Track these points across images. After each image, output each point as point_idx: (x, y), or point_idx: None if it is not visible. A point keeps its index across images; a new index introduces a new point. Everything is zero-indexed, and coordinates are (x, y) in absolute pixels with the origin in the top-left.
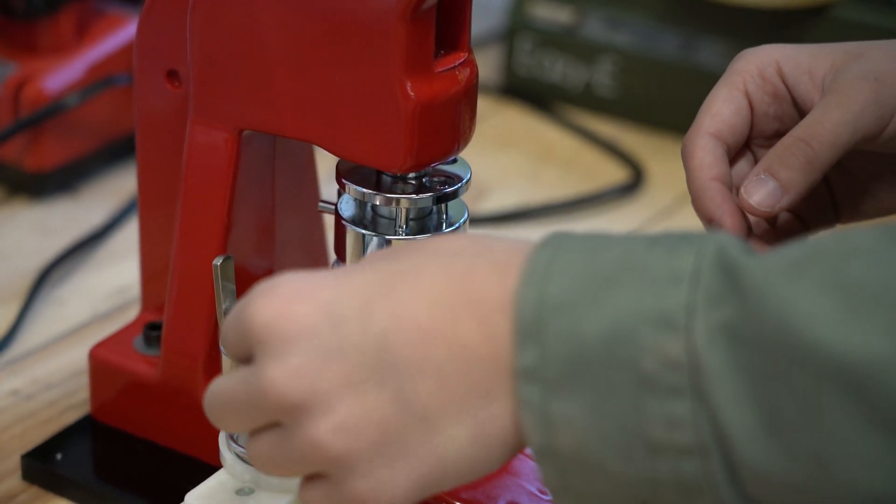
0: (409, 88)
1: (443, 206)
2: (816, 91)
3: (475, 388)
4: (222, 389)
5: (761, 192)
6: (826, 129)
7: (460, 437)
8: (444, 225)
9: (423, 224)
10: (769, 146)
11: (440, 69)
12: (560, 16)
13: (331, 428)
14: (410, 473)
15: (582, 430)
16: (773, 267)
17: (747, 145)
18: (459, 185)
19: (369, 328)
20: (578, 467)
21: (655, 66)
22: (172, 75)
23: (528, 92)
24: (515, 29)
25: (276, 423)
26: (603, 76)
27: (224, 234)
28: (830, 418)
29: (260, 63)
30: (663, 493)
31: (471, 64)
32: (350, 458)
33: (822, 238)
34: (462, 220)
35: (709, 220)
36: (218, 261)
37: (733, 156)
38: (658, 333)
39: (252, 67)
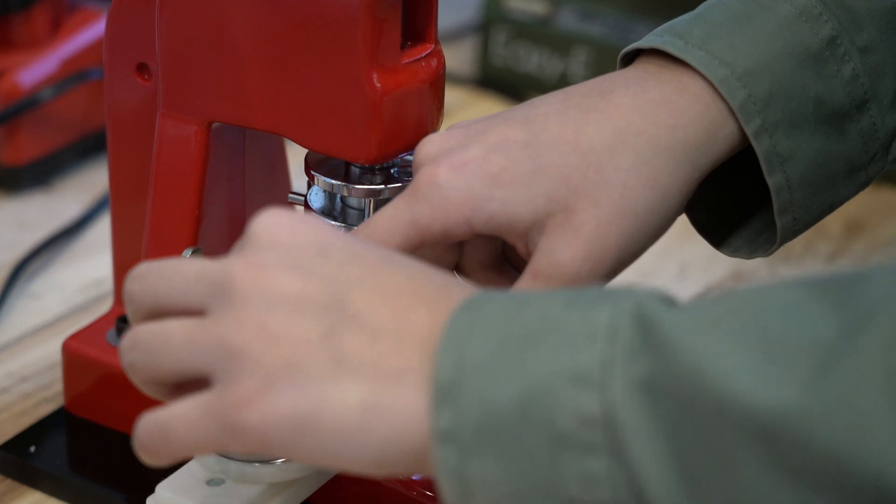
0: (375, 80)
1: None
2: (520, 240)
3: (397, 360)
4: (185, 259)
5: None
6: None
7: (355, 394)
8: None
9: None
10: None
11: (407, 60)
12: (534, 7)
13: (254, 325)
14: (294, 402)
15: (499, 491)
16: (691, 320)
17: None
18: None
19: (345, 272)
20: None
21: None
22: (142, 69)
23: (503, 83)
24: (490, 21)
25: (200, 311)
26: (577, 67)
27: (194, 227)
28: (745, 472)
29: (228, 56)
30: None
31: (437, 55)
32: (252, 362)
33: (744, 291)
34: None
35: None
36: (187, 253)
37: None
38: (573, 390)
39: (220, 60)
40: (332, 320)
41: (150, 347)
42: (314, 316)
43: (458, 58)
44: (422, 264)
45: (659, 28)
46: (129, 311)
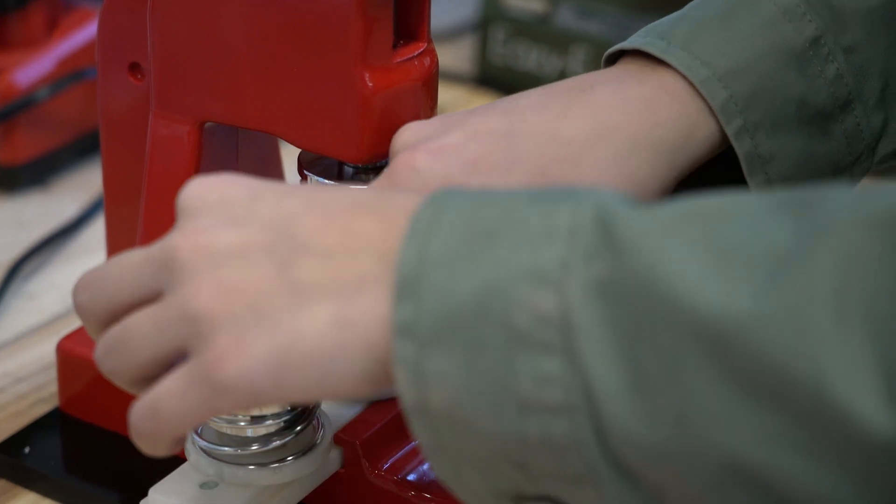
0: (367, 79)
1: None
2: None
3: (354, 272)
4: (123, 254)
5: None
6: None
7: (322, 316)
8: None
9: None
10: None
11: (399, 59)
12: (533, 5)
13: (209, 287)
14: (267, 343)
15: (454, 387)
16: (650, 224)
17: None
18: None
19: (282, 208)
20: (450, 425)
21: None
22: (135, 68)
23: (502, 82)
24: (489, 19)
25: (155, 297)
26: (576, 65)
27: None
28: (692, 378)
29: (220, 55)
30: (534, 452)
31: (430, 54)
32: (218, 320)
33: (706, 199)
34: None
35: None
36: None
37: None
38: (531, 289)
39: (212, 59)
40: (282, 255)
41: (121, 348)
42: (263, 258)
43: (457, 56)
44: (359, 186)
45: (643, 28)
46: (85, 324)
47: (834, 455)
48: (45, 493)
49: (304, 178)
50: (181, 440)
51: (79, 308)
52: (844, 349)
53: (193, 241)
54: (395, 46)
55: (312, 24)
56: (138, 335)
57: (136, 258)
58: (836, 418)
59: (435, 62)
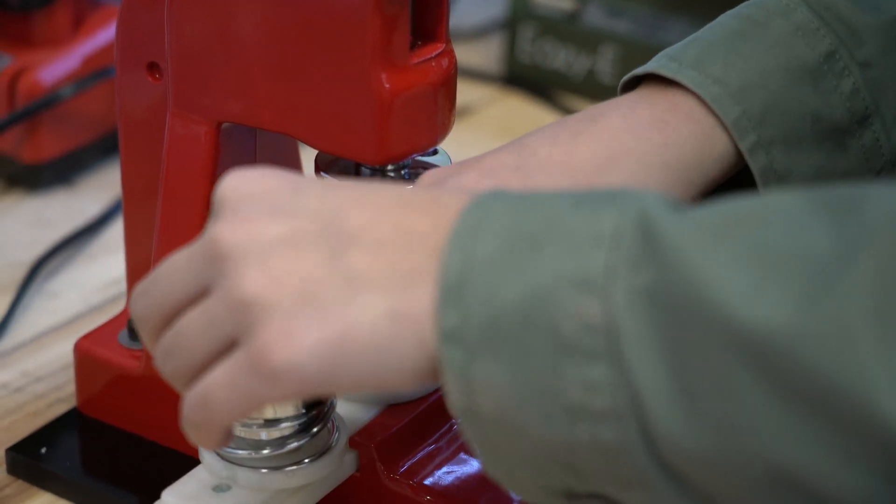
0: (384, 80)
1: None
2: None
3: (407, 264)
4: (169, 257)
5: None
6: None
7: (376, 307)
8: None
9: None
10: None
11: (416, 60)
12: (561, 3)
13: (257, 274)
14: (319, 332)
15: (502, 393)
16: (694, 230)
17: None
18: None
19: (328, 200)
20: (500, 429)
21: (656, 53)
22: (153, 68)
23: (530, 80)
24: (517, 17)
25: (205, 292)
26: (604, 64)
27: (204, 228)
28: (739, 388)
29: (237, 55)
30: (583, 456)
31: (449, 55)
32: (267, 307)
33: (746, 200)
34: None
35: None
36: None
37: None
38: (577, 296)
39: (229, 59)
40: (332, 244)
41: (177, 351)
42: (312, 246)
43: (485, 55)
44: (401, 184)
45: (658, 55)
46: (143, 333)
47: (880, 464)
48: (61, 493)
49: (320, 179)
50: (231, 432)
51: (135, 317)
52: (889, 360)
53: (238, 231)
54: (412, 47)
55: (329, 24)
56: (191, 335)
57: (181, 257)
58: (882, 429)
59: (453, 63)
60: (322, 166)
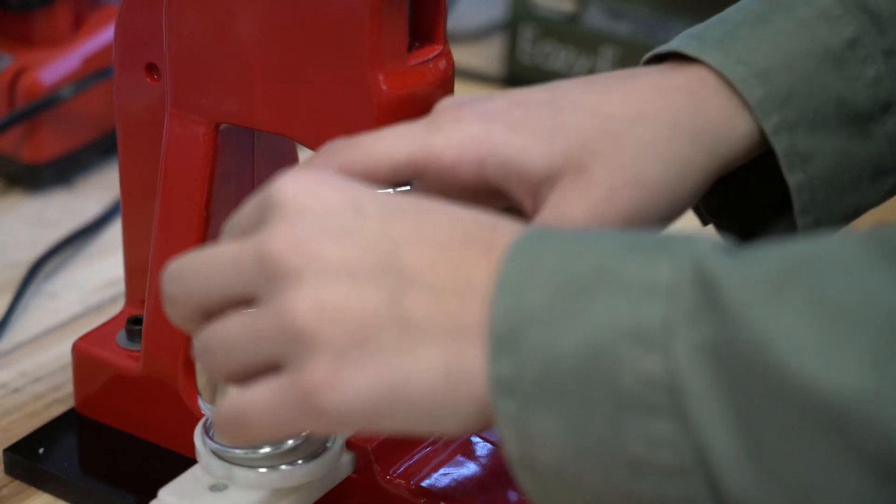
0: (381, 82)
1: None
2: (529, 195)
3: (463, 317)
4: (213, 248)
5: None
6: None
7: (433, 361)
8: None
9: None
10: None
11: (414, 62)
12: (562, 5)
13: (312, 303)
14: (372, 379)
15: (561, 446)
16: (753, 283)
17: None
18: None
19: (389, 229)
20: (558, 481)
21: None
22: (151, 69)
23: (530, 81)
24: (517, 19)
25: (251, 298)
26: (605, 65)
27: (202, 228)
28: (814, 452)
29: (235, 56)
30: None
31: (446, 56)
32: (319, 341)
33: (801, 245)
34: None
35: None
36: None
37: None
38: (636, 350)
39: (227, 60)
40: (391, 284)
41: (219, 351)
42: (371, 282)
43: (486, 56)
44: (458, 207)
45: (680, 34)
46: (172, 315)
47: None
48: (59, 494)
49: None
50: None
51: (167, 299)
52: None
53: (297, 249)
54: (409, 49)
55: (326, 25)
56: (236, 343)
57: (227, 256)
58: None
59: (451, 65)
60: None
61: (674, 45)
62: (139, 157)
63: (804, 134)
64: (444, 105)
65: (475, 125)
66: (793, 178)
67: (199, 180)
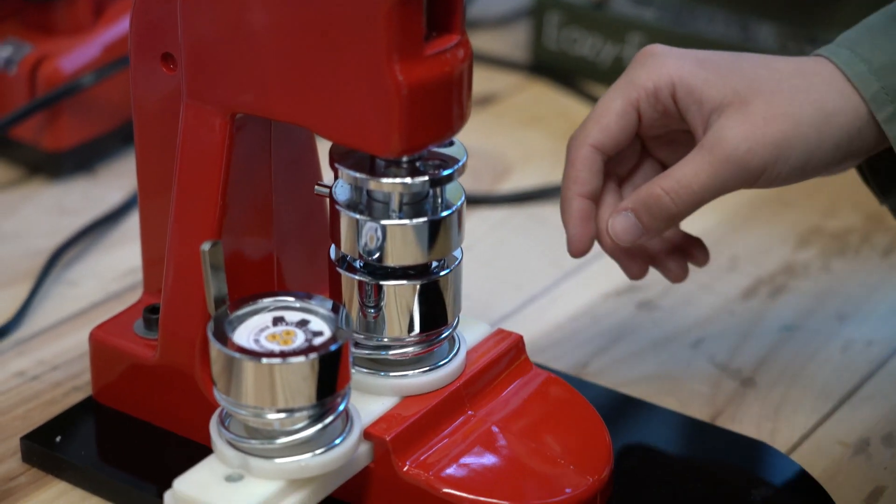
0: (397, 72)
1: (439, 189)
2: (701, 123)
3: None
4: None
5: (625, 227)
6: (692, 192)
7: None
8: (441, 208)
9: (419, 208)
10: (654, 143)
11: (431, 52)
12: None
13: None
14: None
15: None
16: None
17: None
18: (454, 168)
19: None
20: None
21: (683, 41)
22: (167, 59)
23: (556, 68)
24: (543, 5)
25: None
26: (632, 51)
27: (218, 218)
28: None
29: (250, 46)
30: None
31: (464, 46)
32: None
33: None
34: (459, 203)
35: (566, 229)
36: (206, 246)
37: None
38: None
39: (242, 50)
40: None
41: None
42: None
43: (511, 42)
44: None
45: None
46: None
47: None
48: (76, 482)
49: (335, 171)
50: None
51: None
52: None
53: None
54: (427, 38)
55: (343, 15)
56: None
57: None
58: None
59: (469, 54)
60: (337, 157)
61: (819, 50)
62: (156, 148)
63: None
64: (639, 52)
65: (668, 58)
66: None
67: (215, 170)
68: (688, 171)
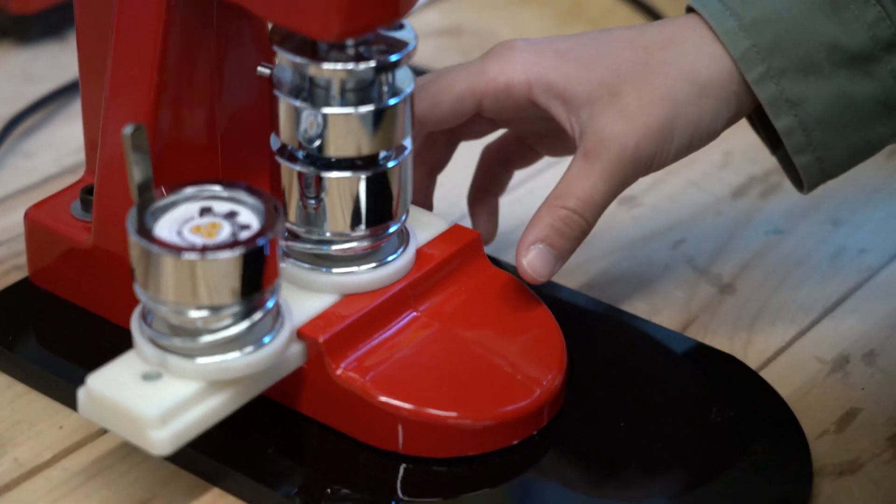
0: None
1: (386, 75)
2: (572, 121)
3: None
4: None
5: (543, 261)
6: (595, 203)
7: None
8: (388, 96)
9: (364, 95)
10: (538, 142)
11: None
12: None
13: None
14: None
15: None
16: None
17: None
18: (402, 53)
19: None
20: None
21: None
22: None
23: None
24: None
25: None
26: None
27: (154, 98)
28: None
29: None
30: None
31: None
32: None
33: None
34: (408, 91)
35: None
36: (128, 129)
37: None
38: None
39: None
40: None
41: None
42: None
43: None
44: None
45: None
46: None
47: None
48: (4, 368)
49: (273, 53)
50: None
51: None
52: None
53: None
54: None
55: None
56: None
57: None
58: None
59: None
60: (276, 41)
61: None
62: (95, 25)
63: (792, 80)
64: (499, 43)
65: (525, 53)
66: (780, 123)
67: (151, 48)
68: (586, 186)
